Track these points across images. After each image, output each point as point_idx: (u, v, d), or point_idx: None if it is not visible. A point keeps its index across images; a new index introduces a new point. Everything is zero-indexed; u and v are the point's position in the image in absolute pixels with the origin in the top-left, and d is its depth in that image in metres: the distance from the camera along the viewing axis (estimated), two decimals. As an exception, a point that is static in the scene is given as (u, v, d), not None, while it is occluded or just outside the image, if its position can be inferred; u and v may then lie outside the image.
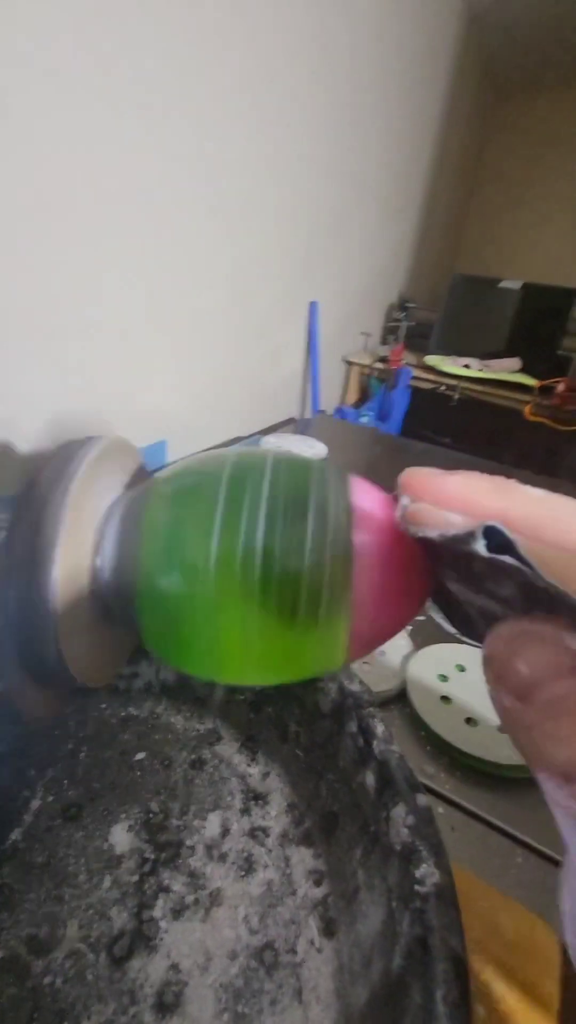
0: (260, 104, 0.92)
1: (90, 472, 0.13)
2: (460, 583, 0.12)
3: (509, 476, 0.11)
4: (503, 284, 1.65)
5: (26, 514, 0.13)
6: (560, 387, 1.40)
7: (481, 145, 2.31)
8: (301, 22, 0.94)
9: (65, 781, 0.28)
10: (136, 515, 0.13)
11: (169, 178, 0.77)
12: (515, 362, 1.60)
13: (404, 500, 0.12)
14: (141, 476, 0.17)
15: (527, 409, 1.45)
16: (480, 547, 0.09)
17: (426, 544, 0.12)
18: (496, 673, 0.09)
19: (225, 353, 1.07)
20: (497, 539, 0.09)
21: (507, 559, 0.09)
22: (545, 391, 1.45)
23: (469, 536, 0.09)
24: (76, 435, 0.15)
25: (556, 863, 0.29)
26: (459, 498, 0.12)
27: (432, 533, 0.10)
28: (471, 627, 0.14)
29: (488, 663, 0.10)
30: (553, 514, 0.10)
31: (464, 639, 0.15)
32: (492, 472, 0.12)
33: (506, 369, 1.58)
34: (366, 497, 0.13)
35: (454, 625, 0.15)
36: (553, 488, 0.12)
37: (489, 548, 0.09)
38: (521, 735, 0.09)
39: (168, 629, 0.13)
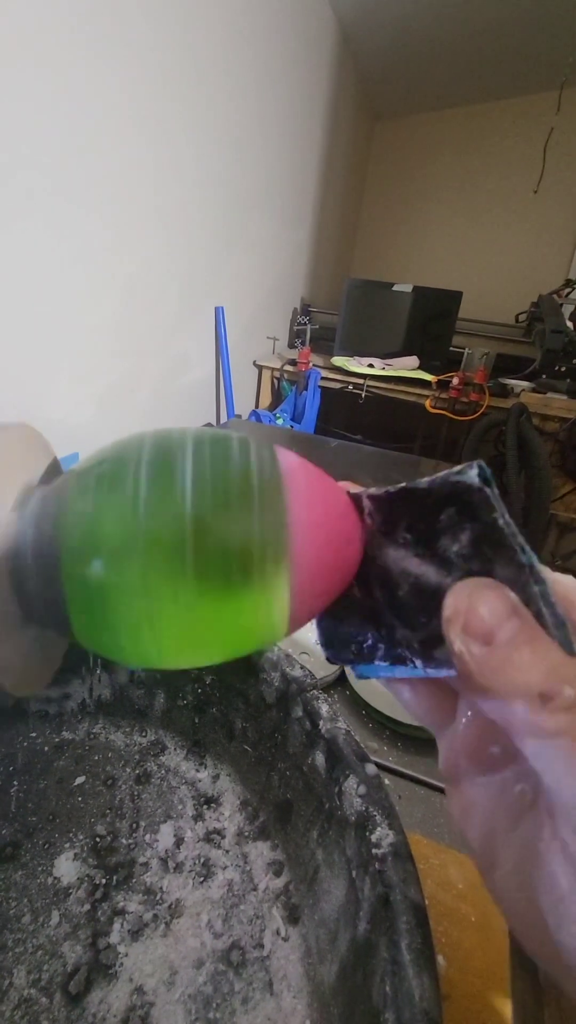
0: (153, 120, 0.91)
1: None
2: (410, 547, 0.12)
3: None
4: (396, 288, 1.75)
5: None
6: (455, 381, 1.52)
7: (365, 161, 2.44)
8: (192, 53, 0.94)
9: (-4, 821, 0.26)
10: (55, 505, 0.13)
11: (62, 188, 0.74)
12: (413, 360, 1.71)
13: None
14: (55, 468, 0.16)
15: (428, 403, 1.55)
16: (474, 476, 0.10)
17: (382, 514, 0.13)
18: (463, 624, 0.11)
19: (130, 361, 1.04)
20: (483, 474, 0.10)
21: (489, 491, 0.10)
22: (442, 385, 1.56)
23: (467, 467, 0.11)
24: None
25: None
26: None
27: (423, 481, 0.11)
28: (380, 618, 0.14)
29: (453, 619, 0.11)
30: None
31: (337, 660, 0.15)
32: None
33: (406, 367, 1.68)
34: (292, 459, 0.13)
35: (338, 635, 0.15)
36: None
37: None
38: (491, 677, 0.10)
39: (102, 621, 0.12)
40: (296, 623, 0.13)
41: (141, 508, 0.11)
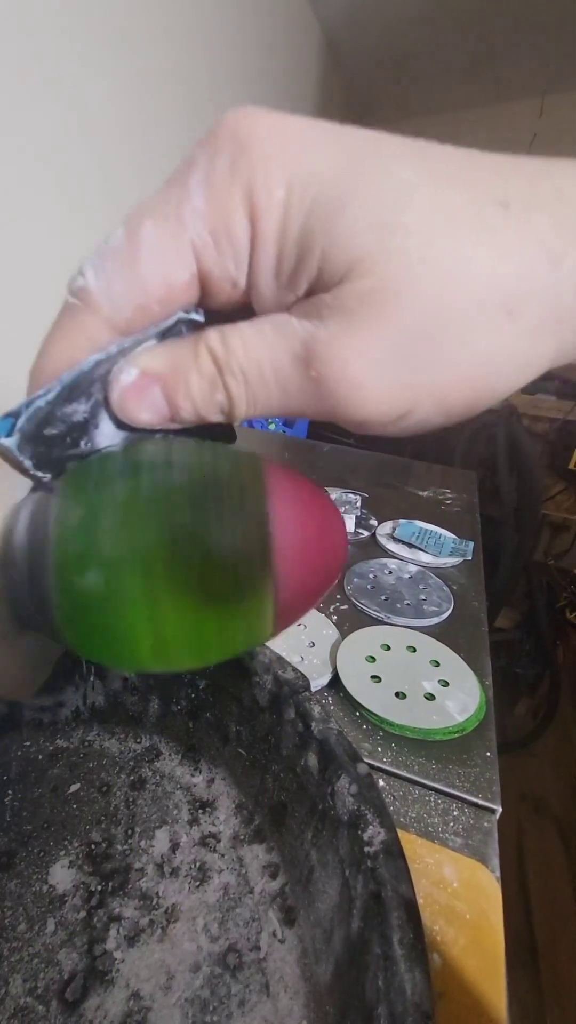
0: (137, 137, 0.91)
1: None
2: (75, 447, 0.14)
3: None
4: (386, 292, 1.76)
5: None
6: (445, 384, 1.53)
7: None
8: (170, 60, 0.95)
9: (-9, 830, 0.26)
10: (46, 514, 0.13)
11: (52, 197, 0.74)
12: (404, 364, 1.72)
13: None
14: None
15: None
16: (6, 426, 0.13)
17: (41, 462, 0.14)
18: (131, 409, 0.13)
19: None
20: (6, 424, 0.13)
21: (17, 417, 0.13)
22: (433, 389, 1.57)
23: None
24: None
25: (487, 810, 0.32)
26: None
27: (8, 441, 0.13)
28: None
29: (128, 412, 0.13)
30: None
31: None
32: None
33: (397, 371, 1.69)
34: (277, 471, 0.14)
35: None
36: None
37: None
38: (200, 412, 0.13)
39: (94, 626, 0.12)
40: (283, 623, 0.14)
41: (128, 520, 0.12)
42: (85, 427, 0.13)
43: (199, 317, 0.13)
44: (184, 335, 0.13)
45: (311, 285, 0.12)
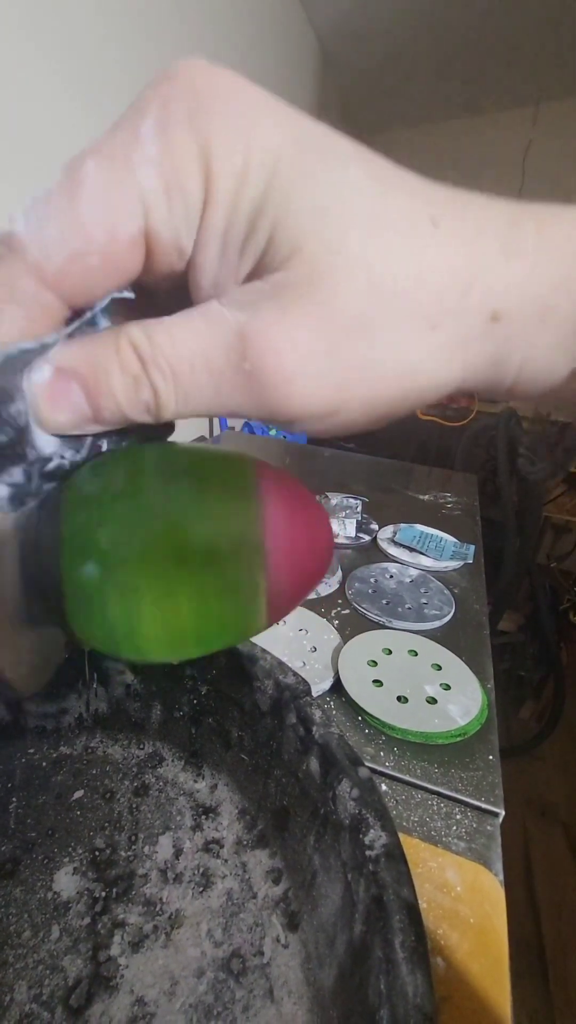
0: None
1: None
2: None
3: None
4: (384, 298, 1.77)
5: None
6: (445, 388, 1.53)
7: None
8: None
9: (-5, 838, 0.26)
10: (54, 508, 0.13)
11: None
12: (404, 368, 1.72)
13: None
14: None
15: (418, 410, 1.56)
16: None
17: None
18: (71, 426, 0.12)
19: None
20: None
21: None
22: (433, 393, 1.58)
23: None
24: None
25: (490, 813, 0.32)
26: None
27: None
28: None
29: (42, 415, 0.12)
30: None
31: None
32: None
33: (397, 375, 1.70)
34: (268, 470, 0.14)
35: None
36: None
37: None
38: (124, 412, 0.12)
39: (99, 616, 0.13)
40: (277, 613, 0.14)
41: (127, 515, 0.12)
42: (27, 432, 0.12)
43: (129, 295, 0.12)
44: (102, 328, 0.12)
45: (255, 265, 0.12)
